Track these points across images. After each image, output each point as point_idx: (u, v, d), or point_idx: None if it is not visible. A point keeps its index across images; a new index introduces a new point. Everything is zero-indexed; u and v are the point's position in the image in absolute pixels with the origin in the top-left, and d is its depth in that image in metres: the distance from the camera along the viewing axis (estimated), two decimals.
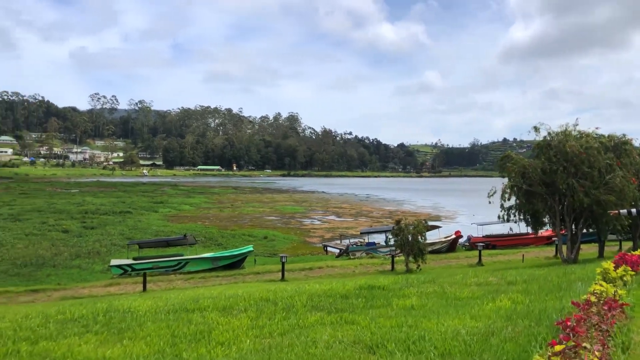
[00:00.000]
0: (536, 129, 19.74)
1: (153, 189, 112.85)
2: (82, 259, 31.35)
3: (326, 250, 36.93)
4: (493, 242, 36.63)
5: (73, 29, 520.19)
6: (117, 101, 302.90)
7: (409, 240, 23.67)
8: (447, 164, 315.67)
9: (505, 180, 19.68)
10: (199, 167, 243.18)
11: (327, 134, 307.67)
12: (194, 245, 29.67)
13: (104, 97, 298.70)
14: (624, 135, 21.32)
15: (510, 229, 36.26)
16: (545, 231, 31.22)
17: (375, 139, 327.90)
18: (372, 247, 33.37)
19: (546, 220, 21.02)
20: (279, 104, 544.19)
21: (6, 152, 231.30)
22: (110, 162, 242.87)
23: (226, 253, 28.57)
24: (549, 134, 19.72)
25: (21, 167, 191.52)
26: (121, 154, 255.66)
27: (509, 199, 19.88)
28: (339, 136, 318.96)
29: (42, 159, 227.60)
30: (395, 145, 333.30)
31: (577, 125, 19.49)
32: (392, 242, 27.78)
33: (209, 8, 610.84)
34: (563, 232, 20.96)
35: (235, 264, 27.77)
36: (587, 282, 9.13)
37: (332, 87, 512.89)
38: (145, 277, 20.69)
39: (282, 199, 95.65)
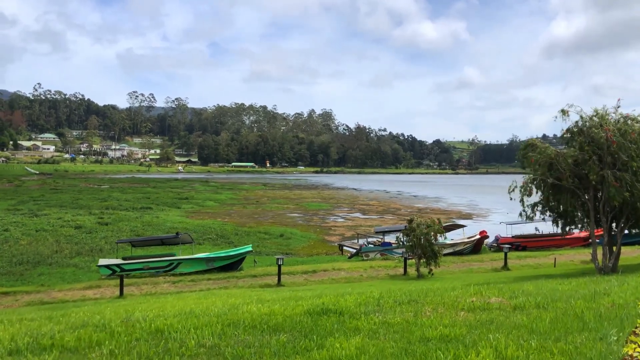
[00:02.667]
0: (564, 112, 16.60)
1: (183, 185, 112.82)
2: (82, 257, 29.98)
3: (342, 250, 34.51)
4: (523, 243, 33.35)
5: (121, 32, 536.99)
6: (154, 99, 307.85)
7: (421, 241, 20.96)
8: (484, 160, 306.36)
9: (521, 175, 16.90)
10: (233, 163, 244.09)
11: (360, 130, 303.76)
12: (191, 245, 27.73)
13: (142, 94, 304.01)
14: None
15: (536, 229, 32.89)
16: (583, 231, 27.86)
17: (410, 135, 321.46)
18: (386, 248, 30.69)
19: (578, 218, 17.92)
20: (314, 101, 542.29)
21: (49, 149, 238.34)
22: (147, 159, 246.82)
23: (222, 253, 26.38)
24: (581, 117, 16.73)
25: (62, 164, 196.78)
26: (158, 151, 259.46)
27: (530, 195, 16.93)
28: (373, 133, 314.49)
29: (82, 156, 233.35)
30: (431, 141, 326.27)
31: (618, 107, 16.44)
32: (399, 243, 25.06)
33: (250, 7, 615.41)
34: (599, 232, 17.93)
35: (232, 265, 25.58)
36: (627, 313, 6.46)
37: (368, 85, 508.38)
38: (122, 281, 18.84)
39: (309, 196, 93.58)
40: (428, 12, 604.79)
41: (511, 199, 16.96)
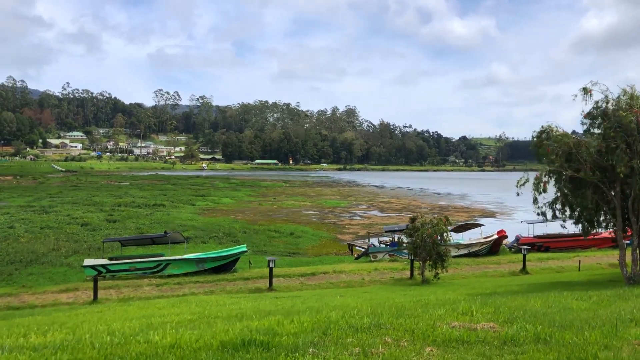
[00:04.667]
0: (586, 90, 13.95)
1: (203, 182, 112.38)
2: (78, 256, 28.83)
3: (351, 250, 32.61)
4: (546, 244, 30.87)
5: (153, 32, 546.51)
6: (179, 97, 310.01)
7: (426, 242, 18.91)
8: (512, 157, 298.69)
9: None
10: (257, 161, 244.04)
11: (385, 127, 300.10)
12: (183, 244, 26.24)
13: (167, 93, 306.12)
14: None
15: (563, 227, 30.18)
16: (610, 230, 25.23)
17: (436, 132, 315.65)
18: (395, 248, 28.63)
19: (603, 218, 15.50)
20: (340, 98, 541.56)
21: (76, 146, 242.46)
22: (172, 157, 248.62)
23: (213, 254, 24.69)
24: (606, 97, 14.33)
25: (88, 161, 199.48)
26: (183, 149, 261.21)
27: (544, 191, 14.64)
28: (398, 129, 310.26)
29: (108, 153, 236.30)
30: (457, 138, 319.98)
31: None
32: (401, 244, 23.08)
33: (277, 5, 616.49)
34: (629, 233, 15.64)
35: (225, 266, 23.92)
36: None
37: (394, 82, 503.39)
38: (97, 284, 17.42)
39: (329, 193, 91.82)
40: (457, 9, 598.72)
41: (518, 194, 14.72)
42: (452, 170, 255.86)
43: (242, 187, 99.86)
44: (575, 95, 14.06)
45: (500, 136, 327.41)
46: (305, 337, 5.70)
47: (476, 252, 28.91)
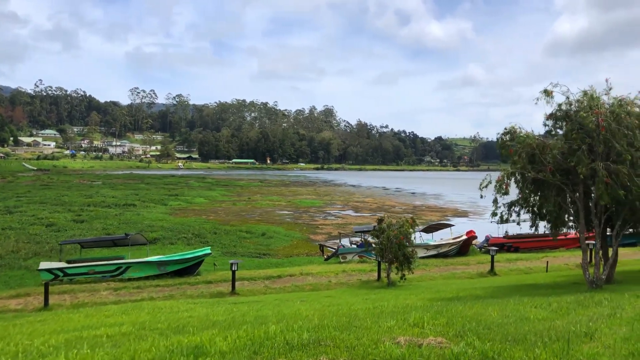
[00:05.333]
0: (547, 92, 13.68)
1: (178, 181, 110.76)
2: (38, 258, 27.74)
3: (322, 251, 32.17)
4: (516, 244, 30.89)
5: (131, 30, 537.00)
6: (155, 95, 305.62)
7: (392, 244, 18.55)
8: (486, 157, 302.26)
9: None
10: (234, 160, 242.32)
11: (362, 127, 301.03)
12: (145, 246, 25.42)
13: (143, 91, 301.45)
14: None
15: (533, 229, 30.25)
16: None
17: (412, 132, 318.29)
18: (364, 249, 28.27)
19: (566, 219, 15.27)
20: (318, 98, 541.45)
21: (49, 145, 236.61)
22: (148, 155, 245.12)
23: (176, 256, 23.99)
24: (567, 99, 14.03)
25: (61, 160, 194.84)
26: (159, 147, 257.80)
27: (506, 193, 14.38)
28: (375, 129, 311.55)
29: (82, 152, 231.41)
30: (433, 138, 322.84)
31: (610, 89, 13.57)
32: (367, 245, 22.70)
33: (257, 5, 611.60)
34: (591, 234, 15.47)
35: (188, 269, 23.23)
36: None
37: (372, 82, 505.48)
38: (47, 289, 16.62)
39: (304, 192, 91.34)
40: (435, 12, 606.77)
41: (482, 196, 14.47)
42: (427, 170, 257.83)
43: (217, 187, 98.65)
44: (537, 99, 13.83)
45: (474, 137, 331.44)
46: (233, 357, 5.21)
47: (445, 253, 28.76)
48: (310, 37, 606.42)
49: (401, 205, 72.02)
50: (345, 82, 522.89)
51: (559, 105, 13.86)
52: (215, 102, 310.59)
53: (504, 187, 14.01)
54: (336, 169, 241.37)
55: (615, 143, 12.43)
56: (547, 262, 24.57)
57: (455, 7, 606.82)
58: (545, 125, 14.29)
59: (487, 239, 31.82)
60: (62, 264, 22.36)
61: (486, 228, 37.92)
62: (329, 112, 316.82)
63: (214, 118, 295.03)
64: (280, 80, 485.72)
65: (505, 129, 14.52)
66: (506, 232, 22.01)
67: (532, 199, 14.82)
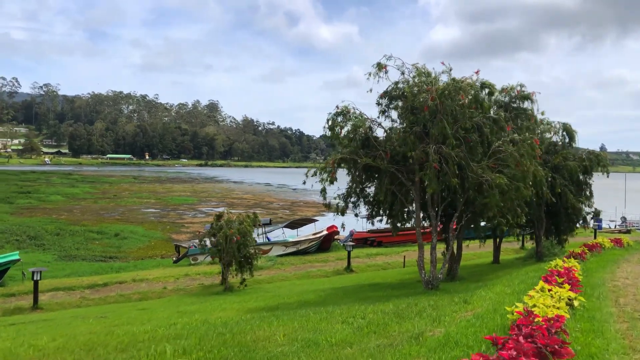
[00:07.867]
0: (380, 66, 12.37)
1: (38, 177, 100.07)
2: None
3: (178, 251, 29.36)
4: (379, 238, 30.54)
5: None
6: (18, 84, 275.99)
7: (230, 244, 16.54)
8: None
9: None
10: (108, 155, 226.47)
11: (248, 123, 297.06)
12: None
13: (3, 78, 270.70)
14: (522, 86, 15.11)
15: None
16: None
17: (298, 129, 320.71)
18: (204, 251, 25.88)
19: (403, 212, 14.25)
20: (203, 93, 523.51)
21: None
22: (8, 150, 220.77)
23: None
24: (402, 74, 12.59)
25: None
26: (23, 141, 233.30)
27: (333, 181, 13.04)
28: (262, 126, 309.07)
29: None
30: (318, 136, 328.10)
31: (451, 69, 12.49)
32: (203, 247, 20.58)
33: None
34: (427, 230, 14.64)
35: None
36: None
37: (260, 80, 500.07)
38: None
39: (180, 189, 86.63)
40: (323, 16, 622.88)
41: (312, 185, 13.00)
42: (313, 167, 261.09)
43: (83, 184, 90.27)
44: (370, 74, 12.49)
45: None
46: None
47: (305, 250, 27.47)
48: (196, 30, 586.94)
49: (280, 201, 70.72)
50: (232, 78, 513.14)
51: (396, 83, 12.67)
52: (89, 93, 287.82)
53: (330, 175, 12.54)
54: (221, 166, 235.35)
55: (446, 124, 11.35)
56: (405, 257, 24.15)
57: (343, 12, 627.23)
58: (378, 104, 12.99)
59: (352, 233, 31.13)
60: None
61: (355, 223, 37.55)
62: (213, 107, 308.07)
63: (87, 110, 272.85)
64: (163, 73, 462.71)
65: (337, 107, 13.00)
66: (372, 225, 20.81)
67: (369, 189, 13.56)
